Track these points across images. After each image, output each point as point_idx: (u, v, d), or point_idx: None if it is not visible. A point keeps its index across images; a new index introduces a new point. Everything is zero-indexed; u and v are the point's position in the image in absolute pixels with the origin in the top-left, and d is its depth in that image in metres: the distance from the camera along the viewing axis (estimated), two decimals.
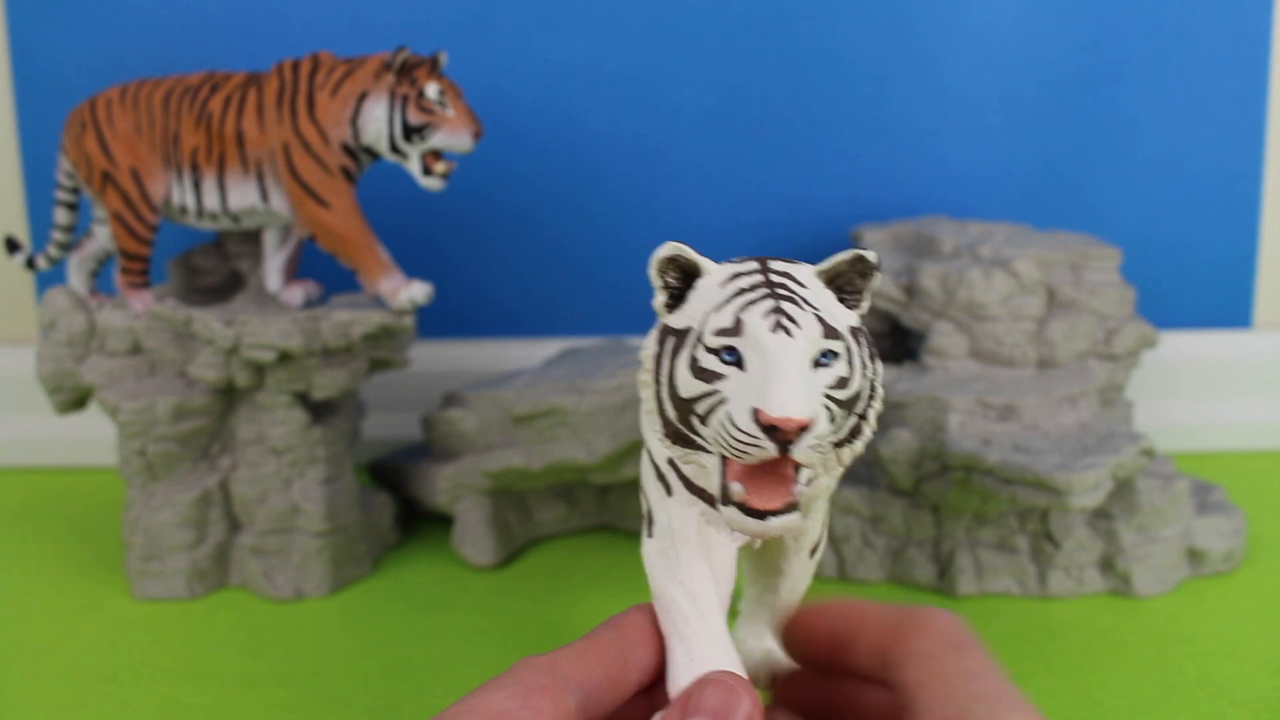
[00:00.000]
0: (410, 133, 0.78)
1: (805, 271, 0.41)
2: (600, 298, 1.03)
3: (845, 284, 0.41)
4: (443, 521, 0.90)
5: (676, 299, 0.42)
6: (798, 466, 0.39)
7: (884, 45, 0.98)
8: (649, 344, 0.42)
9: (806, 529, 0.45)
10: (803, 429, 0.37)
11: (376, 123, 0.78)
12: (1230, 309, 1.03)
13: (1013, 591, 0.77)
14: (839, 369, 0.39)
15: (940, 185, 1.00)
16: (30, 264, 0.88)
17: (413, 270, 0.86)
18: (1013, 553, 0.77)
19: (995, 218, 0.99)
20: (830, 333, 0.39)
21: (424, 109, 0.77)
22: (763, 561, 0.46)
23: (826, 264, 0.41)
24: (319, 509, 0.79)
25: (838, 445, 0.41)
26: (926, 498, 0.78)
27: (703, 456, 0.41)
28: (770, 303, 0.39)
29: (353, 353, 0.80)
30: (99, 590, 0.81)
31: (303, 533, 0.80)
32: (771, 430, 0.37)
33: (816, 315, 0.39)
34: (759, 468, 0.39)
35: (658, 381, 0.41)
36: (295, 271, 0.86)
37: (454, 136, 0.78)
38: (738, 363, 0.39)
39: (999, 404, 0.78)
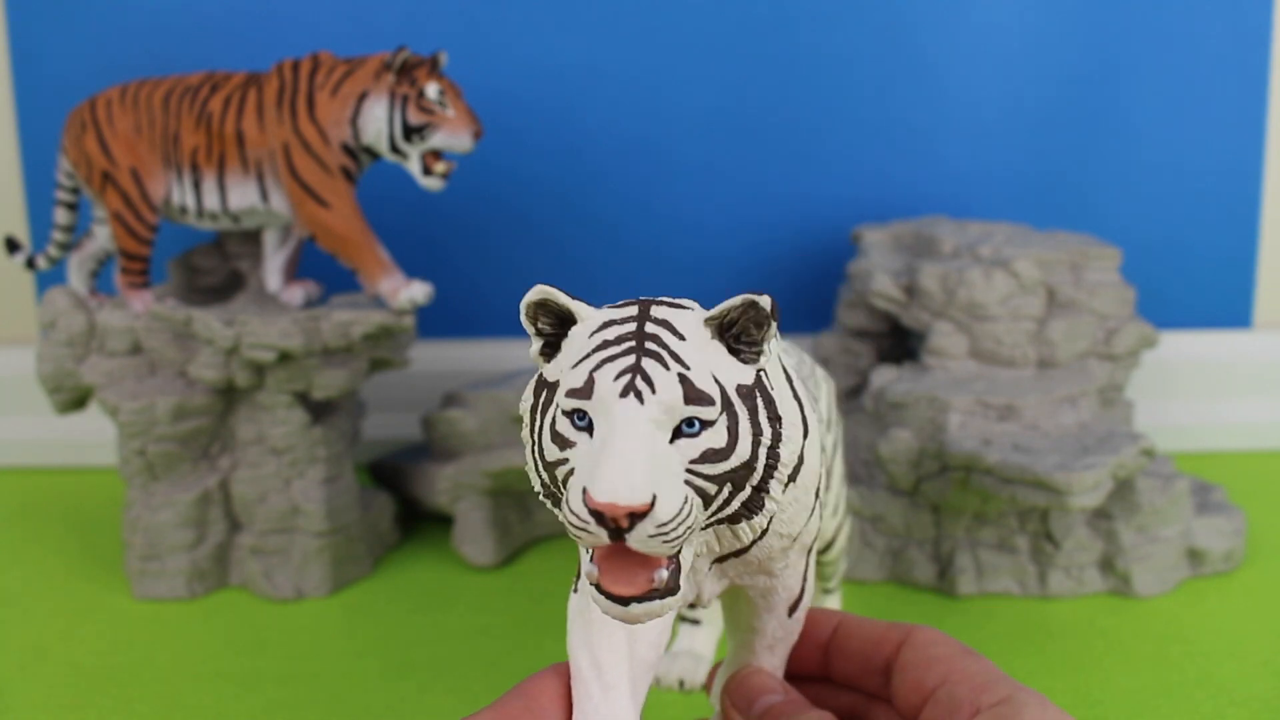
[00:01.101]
0: (410, 133, 0.78)
1: (690, 320, 0.36)
2: (600, 298, 1.02)
3: (740, 333, 0.35)
4: (443, 521, 0.90)
5: (553, 347, 0.37)
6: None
7: (884, 46, 0.98)
8: (527, 394, 0.37)
9: (774, 589, 0.40)
10: (635, 515, 0.32)
11: (376, 123, 0.78)
12: (1230, 309, 1.03)
13: (1013, 591, 0.77)
14: (709, 439, 0.34)
15: (940, 185, 1.00)
16: (30, 264, 0.88)
17: (413, 270, 0.86)
18: (1013, 553, 0.77)
19: (995, 218, 0.99)
20: (695, 397, 0.34)
21: (424, 109, 0.77)
22: (737, 617, 0.42)
23: (715, 311, 0.36)
24: (319, 509, 0.79)
25: (732, 521, 0.36)
26: (926, 498, 0.78)
27: None
28: (629, 359, 0.34)
29: (353, 353, 0.80)
30: (99, 590, 0.81)
31: (303, 533, 0.80)
32: (599, 515, 0.32)
33: (681, 376, 0.34)
34: (617, 547, 0.34)
35: (532, 437, 0.36)
36: (295, 271, 0.86)
37: (454, 136, 0.78)
38: (588, 428, 0.34)
39: (999, 404, 0.78)
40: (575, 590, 0.39)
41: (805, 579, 0.41)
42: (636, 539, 0.33)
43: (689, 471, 0.34)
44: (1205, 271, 1.02)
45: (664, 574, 0.34)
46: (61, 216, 0.86)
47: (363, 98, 0.78)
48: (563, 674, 0.39)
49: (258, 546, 0.80)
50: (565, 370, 0.35)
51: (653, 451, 0.33)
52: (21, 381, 1.00)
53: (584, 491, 0.32)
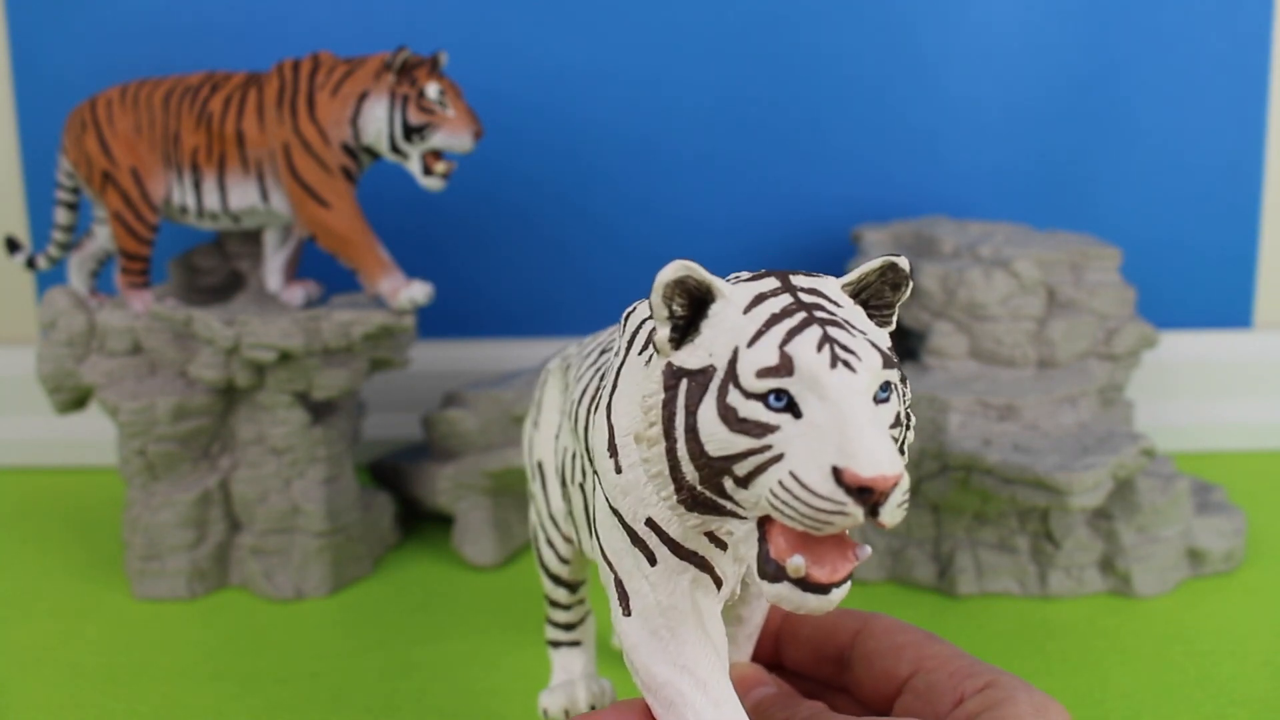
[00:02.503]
0: (410, 133, 0.78)
1: (833, 286, 0.35)
2: (600, 298, 1.03)
3: (873, 297, 0.35)
4: (443, 521, 0.90)
5: (683, 331, 0.34)
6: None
7: (884, 46, 0.98)
8: (653, 389, 0.34)
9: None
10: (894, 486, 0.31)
11: (377, 123, 0.78)
12: (1230, 309, 1.03)
13: (1013, 591, 0.77)
14: (895, 404, 0.33)
15: (941, 185, 1.00)
16: (30, 264, 0.88)
17: (413, 270, 0.86)
18: (1013, 553, 0.77)
19: (995, 218, 0.99)
20: (889, 362, 0.33)
21: (424, 109, 0.77)
22: (724, 611, 0.40)
23: (853, 275, 0.35)
24: (319, 509, 0.79)
25: None
26: (926, 498, 0.78)
27: (732, 523, 0.34)
28: (817, 330, 0.32)
29: (353, 353, 0.80)
30: (99, 590, 0.81)
31: (303, 533, 0.80)
32: (862, 492, 0.30)
33: (871, 343, 0.33)
34: (807, 536, 0.32)
35: (669, 437, 0.33)
36: (295, 271, 0.86)
37: (454, 136, 0.78)
38: (790, 408, 0.32)
39: (999, 404, 0.78)
40: (627, 614, 0.36)
41: None
42: (889, 511, 0.31)
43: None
44: (1205, 271, 1.02)
45: (867, 549, 0.33)
46: (61, 216, 0.86)
47: (363, 98, 0.78)
48: (638, 710, 0.36)
49: (258, 546, 0.80)
50: (737, 349, 0.33)
51: (881, 422, 0.32)
52: (21, 381, 1.00)
53: (836, 471, 0.30)
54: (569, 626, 0.58)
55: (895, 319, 0.35)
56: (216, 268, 0.88)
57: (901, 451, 0.34)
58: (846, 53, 0.98)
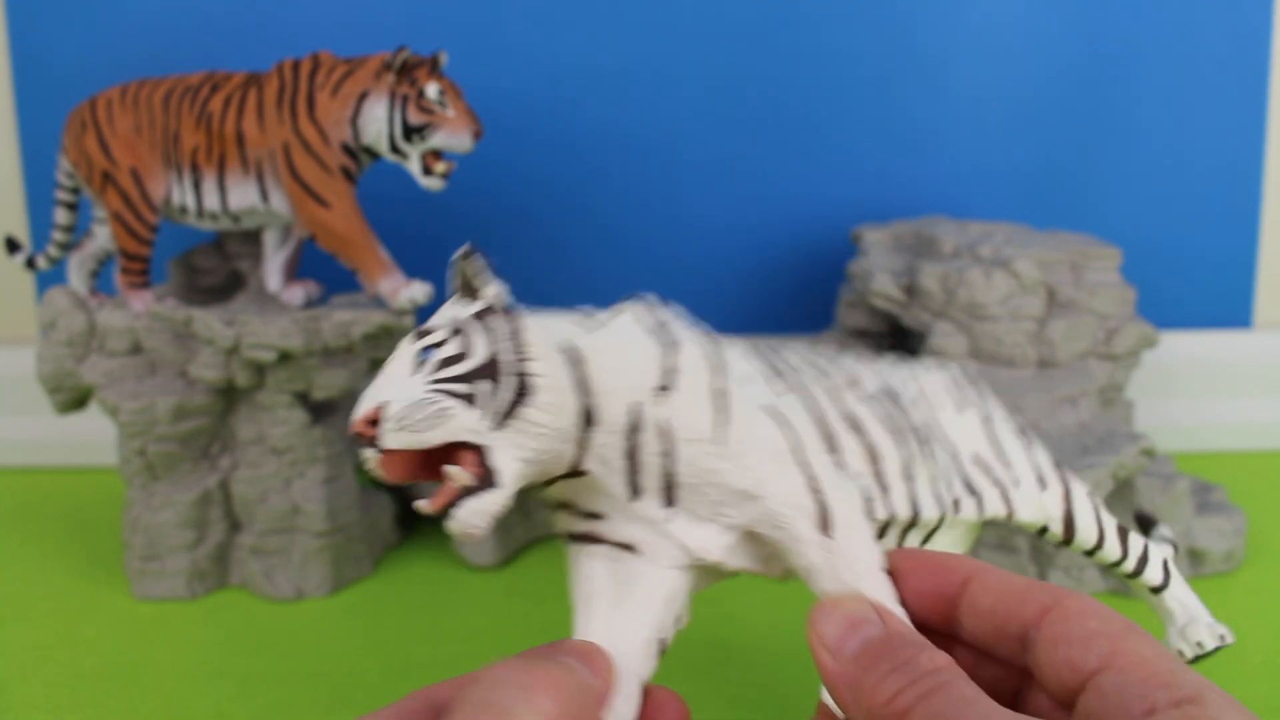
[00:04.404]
0: (410, 133, 0.78)
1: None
2: (600, 298, 1.02)
3: (466, 283, 0.42)
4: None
5: None
6: (458, 462, 0.38)
7: (886, 45, 0.98)
8: None
9: (774, 512, 0.39)
10: (373, 422, 0.38)
11: (377, 123, 0.78)
12: (1230, 309, 1.03)
13: None
14: (446, 350, 0.40)
15: (942, 185, 1.00)
16: (30, 264, 0.88)
17: (413, 270, 0.86)
18: (1013, 553, 0.77)
19: (996, 218, 0.99)
20: (422, 333, 0.41)
21: (424, 109, 0.77)
22: (769, 570, 0.41)
23: (454, 280, 0.43)
24: (319, 509, 0.79)
25: (507, 415, 0.38)
26: None
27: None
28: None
29: (353, 353, 0.80)
30: (99, 590, 0.81)
31: (303, 533, 0.80)
32: (357, 438, 0.39)
33: (416, 329, 0.42)
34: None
35: None
36: (295, 271, 0.86)
37: (454, 136, 0.78)
38: None
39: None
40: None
41: (819, 487, 0.40)
42: (387, 438, 0.38)
43: (435, 381, 0.39)
44: (1205, 271, 1.02)
45: (458, 471, 0.38)
46: (61, 216, 0.86)
47: (363, 98, 0.78)
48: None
49: (258, 546, 0.80)
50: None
51: (398, 378, 0.40)
52: (21, 381, 1.00)
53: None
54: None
55: (491, 286, 0.42)
56: (216, 268, 0.88)
57: (520, 373, 0.39)
58: (847, 53, 0.98)
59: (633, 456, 0.40)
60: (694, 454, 0.39)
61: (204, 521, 0.80)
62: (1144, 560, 0.55)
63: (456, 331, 0.40)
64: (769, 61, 0.98)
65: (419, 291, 0.79)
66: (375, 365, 0.82)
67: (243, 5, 0.97)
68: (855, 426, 0.44)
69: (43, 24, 0.99)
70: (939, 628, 0.37)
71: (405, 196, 0.91)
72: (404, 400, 0.38)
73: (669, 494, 0.40)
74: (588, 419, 0.40)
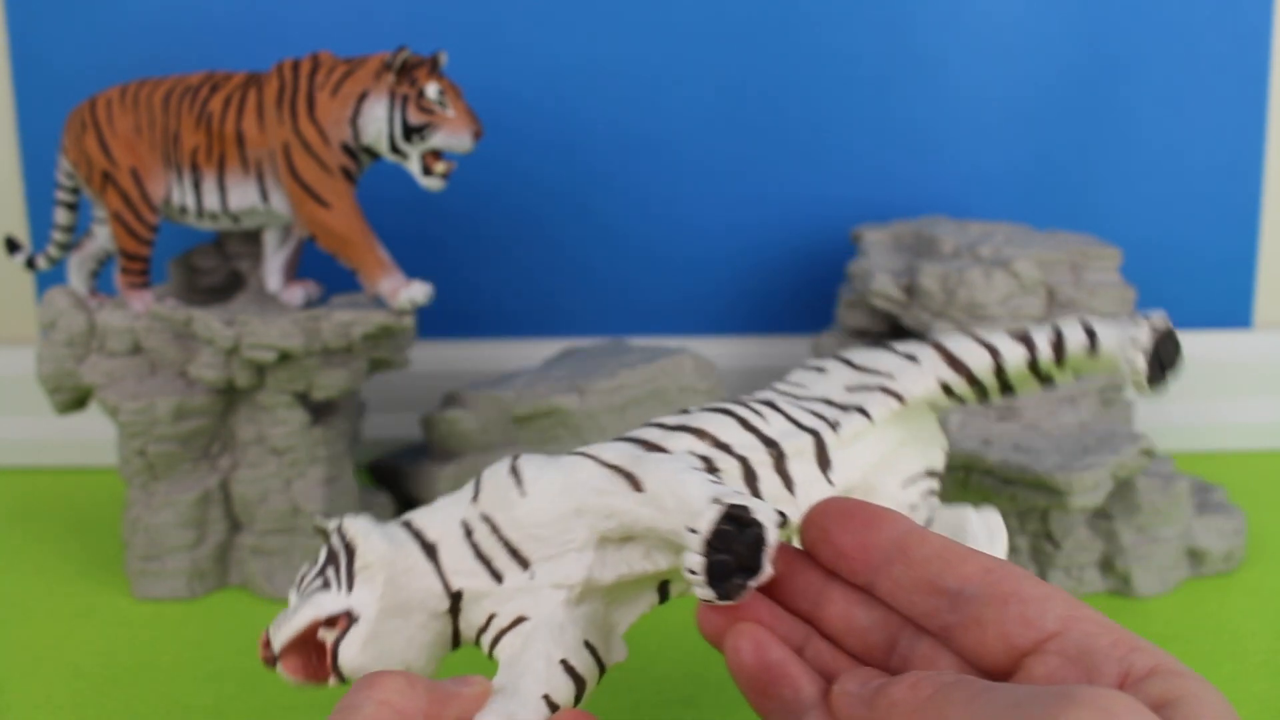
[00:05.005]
0: (410, 133, 0.78)
1: None
2: (600, 298, 1.03)
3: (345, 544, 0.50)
4: None
5: None
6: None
7: (885, 45, 0.98)
8: None
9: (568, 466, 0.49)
10: (266, 644, 0.49)
11: (377, 123, 0.78)
12: (1230, 309, 1.03)
13: None
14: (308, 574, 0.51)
15: (941, 185, 1.00)
16: (30, 264, 0.88)
17: (413, 270, 0.86)
18: (1013, 553, 0.77)
19: (996, 217, 0.99)
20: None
21: (424, 109, 0.77)
22: (647, 564, 0.47)
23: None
24: (319, 509, 0.79)
25: (349, 576, 0.50)
26: None
27: None
28: None
29: (353, 353, 0.80)
30: (99, 590, 0.81)
31: (303, 533, 0.80)
32: (266, 664, 0.50)
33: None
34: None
35: None
36: (295, 271, 0.86)
37: (454, 136, 0.78)
38: None
39: (999, 404, 0.78)
40: None
41: (618, 466, 0.46)
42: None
43: None
44: (1205, 271, 1.02)
45: (324, 630, 0.48)
46: (61, 216, 0.86)
47: (363, 98, 0.78)
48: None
49: (258, 546, 0.80)
50: None
51: None
52: (21, 381, 1.00)
53: None
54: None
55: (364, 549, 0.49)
56: (216, 268, 0.88)
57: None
58: (847, 52, 0.98)
59: (478, 551, 0.48)
60: (510, 518, 0.48)
61: (204, 521, 0.80)
62: (1059, 335, 0.55)
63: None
64: (769, 61, 0.98)
65: (419, 291, 0.79)
66: (375, 365, 0.82)
67: (243, 5, 0.97)
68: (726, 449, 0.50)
69: (43, 24, 0.99)
70: (834, 569, 0.38)
71: (405, 196, 0.91)
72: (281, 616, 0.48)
73: (520, 559, 0.48)
74: (429, 551, 0.48)
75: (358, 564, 0.48)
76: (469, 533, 0.49)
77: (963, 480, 0.75)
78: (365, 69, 0.78)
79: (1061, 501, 0.72)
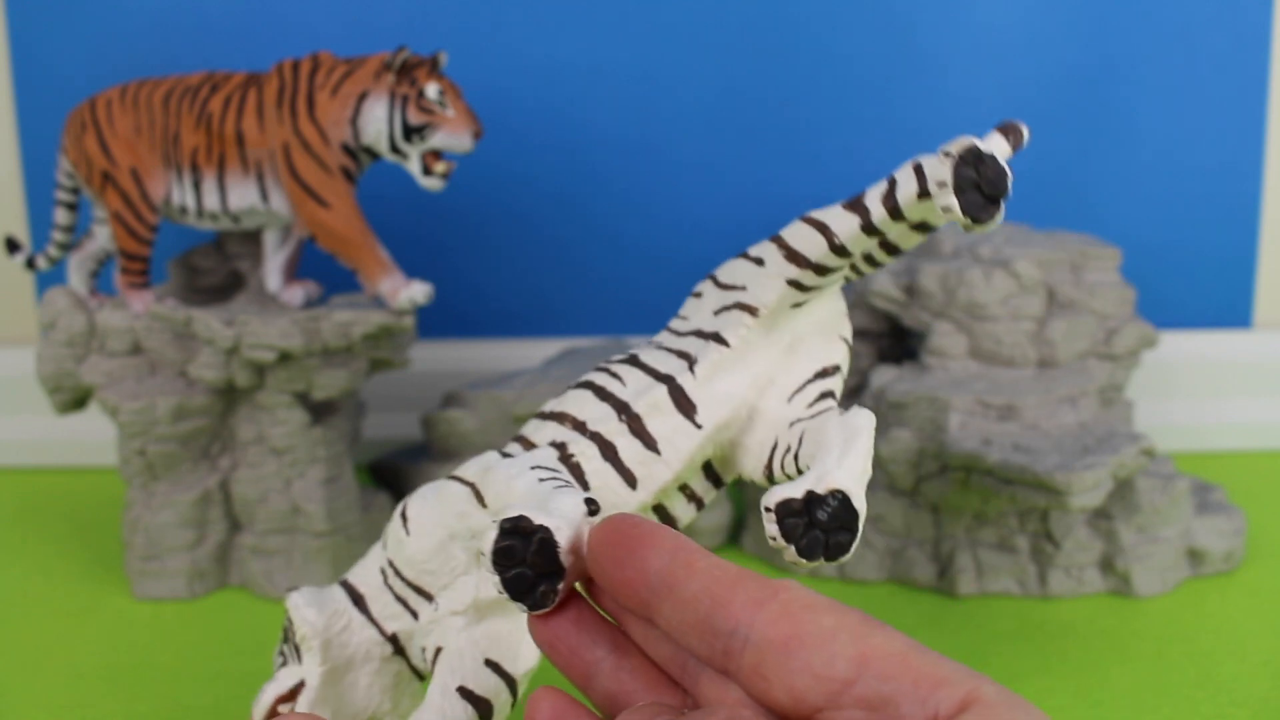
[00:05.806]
0: (410, 133, 0.78)
1: None
2: (600, 298, 1.03)
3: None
4: None
5: None
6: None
7: (885, 45, 0.98)
8: None
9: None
10: None
11: (376, 123, 0.78)
12: (1230, 309, 1.03)
13: (1013, 591, 0.78)
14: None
15: None
16: (30, 264, 0.88)
17: (413, 270, 0.86)
18: (1013, 553, 0.77)
19: None
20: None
21: (424, 109, 0.77)
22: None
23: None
24: (319, 509, 0.79)
25: (295, 649, 0.56)
26: (926, 497, 0.78)
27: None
28: None
29: (353, 353, 0.80)
30: (99, 590, 0.81)
31: (303, 533, 0.80)
32: None
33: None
34: None
35: None
36: (295, 271, 0.86)
37: (454, 136, 0.78)
38: None
39: (999, 404, 0.78)
40: None
41: (466, 479, 0.52)
42: None
43: None
44: (1205, 271, 1.02)
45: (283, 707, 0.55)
46: (61, 216, 0.86)
47: (363, 98, 0.78)
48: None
49: (258, 546, 0.80)
50: None
51: None
52: (21, 381, 1.00)
53: None
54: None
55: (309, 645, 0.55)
56: (216, 268, 0.88)
57: None
58: (847, 53, 0.98)
59: (396, 594, 0.54)
60: (404, 558, 0.53)
61: (204, 521, 0.80)
62: (891, 184, 0.53)
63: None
64: (769, 62, 0.98)
65: (419, 292, 0.79)
66: (375, 365, 0.82)
67: (243, 5, 0.97)
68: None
69: (43, 24, 0.99)
70: (617, 600, 0.34)
71: (405, 196, 0.91)
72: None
73: (424, 594, 0.53)
74: (359, 604, 0.54)
75: (296, 638, 0.54)
76: (385, 579, 0.54)
77: (963, 480, 0.75)
78: (365, 69, 0.78)
79: (1061, 501, 0.72)
